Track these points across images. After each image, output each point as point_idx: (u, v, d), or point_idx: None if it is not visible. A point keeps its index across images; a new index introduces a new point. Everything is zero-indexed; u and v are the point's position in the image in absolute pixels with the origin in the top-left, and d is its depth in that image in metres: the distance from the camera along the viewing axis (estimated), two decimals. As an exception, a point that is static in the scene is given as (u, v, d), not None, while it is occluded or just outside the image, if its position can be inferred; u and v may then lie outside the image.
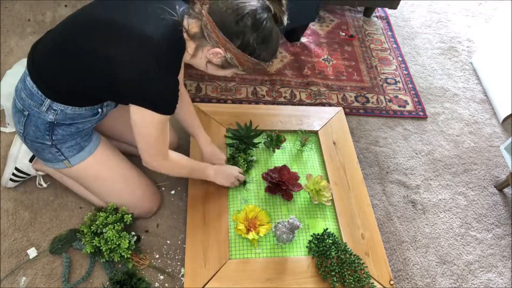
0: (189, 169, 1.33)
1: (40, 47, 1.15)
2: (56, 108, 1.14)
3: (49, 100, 1.12)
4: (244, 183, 1.48)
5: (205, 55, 1.07)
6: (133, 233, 1.34)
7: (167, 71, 1.06)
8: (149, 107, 1.06)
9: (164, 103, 1.08)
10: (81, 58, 1.07)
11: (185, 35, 1.06)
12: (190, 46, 1.08)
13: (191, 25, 1.05)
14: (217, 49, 1.02)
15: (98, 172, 1.29)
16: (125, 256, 1.27)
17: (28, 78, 1.14)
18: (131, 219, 1.31)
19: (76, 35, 1.08)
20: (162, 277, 1.34)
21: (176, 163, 1.27)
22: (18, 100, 1.17)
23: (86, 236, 1.27)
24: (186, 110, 1.40)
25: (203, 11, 1.00)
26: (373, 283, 1.29)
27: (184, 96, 1.36)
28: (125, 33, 1.03)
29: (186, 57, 1.11)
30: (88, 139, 1.26)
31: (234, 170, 1.42)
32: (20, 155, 1.40)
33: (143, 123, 1.10)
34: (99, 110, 1.22)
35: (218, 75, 1.16)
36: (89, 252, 1.26)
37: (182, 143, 1.63)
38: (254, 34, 1.00)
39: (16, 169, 1.40)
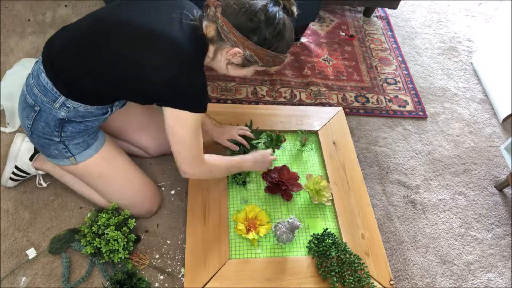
0: (227, 167, 1.34)
1: (58, 44, 1.14)
2: (69, 106, 1.14)
3: (63, 97, 1.13)
4: (244, 183, 1.48)
5: (225, 56, 1.11)
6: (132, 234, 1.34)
7: (197, 71, 1.09)
8: (184, 107, 1.09)
9: (197, 102, 1.11)
10: (108, 61, 1.09)
11: (205, 38, 1.10)
12: (210, 49, 1.12)
13: (208, 28, 1.09)
14: (236, 49, 1.07)
15: (103, 169, 1.29)
16: (123, 257, 1.27)
17: (43, 75, 1.13)
18: (134, 224, 1.32)
19: (103, 37, 1.09)
20: (162, 277, 1.34)
21: (214, 166, 1.28)
22: (29, 95, 1.17)
23: (87, 236, 1.27)
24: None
25: (217, 13, 1.04)
26: (373, 283, 1.29)
27: None
28: (155, 38, 1.05)
29: (207, 60, 1.15)
30: (95, 137, 1.27)
31: (267, 155, 1.44)
32: (20, 153, 1.40)
33: (179, 124, 1.12)
34: (109, 109, 1.23)
35: (240, 75, 1.19)
36: (89, 252, 1.26)
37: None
38: (269, 28, 1.04)
39: (16, 167, 1.40)
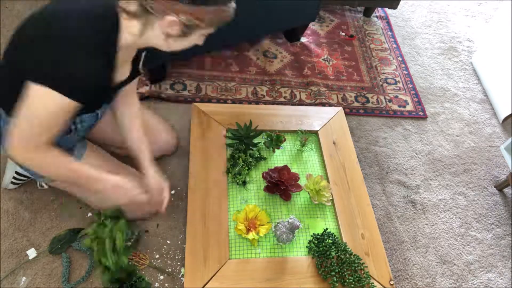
0: (74, 174, 1.12)
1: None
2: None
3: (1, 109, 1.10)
4: (244, 183, 1.48)
5: (159, 30, 0.96)
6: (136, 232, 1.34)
7: (85, 52, 0.95)
8: (57, 88, 0.93)
9: (74, 86, 0.94)
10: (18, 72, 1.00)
11: (123, 15, 0.96)
12: (134, 26, 0.97)
13: (127, 3, 0.94)
14: (169, 17, 0.92)
15: (59, 165, 1.13)
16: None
17: None
18: (136, 236, 1.33)
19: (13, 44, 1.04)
20: (162, 277, 1.34)
21: (50, 157, 1.05)
22: None
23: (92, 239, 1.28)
24: (129, 118, 1.29)
25: None
26: (373, 283, 1.29)
27: (129, 98, 1.27)
28: (50, 23, 0.96)
29: (128, 39, 1.00)
30: (71, 151, 1.22)
31: (136, 196, 1.23)
32: None
33: (39, 103, 0.95)
34: (72, 127, 1.15)
35: (186, 46, 1.04)
36: (89, 246, 1.26)
37: (183, 145, 1.63)
38: None
39: (17, 172, 1.40)
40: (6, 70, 1.06)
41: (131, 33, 0.99)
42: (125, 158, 1.40)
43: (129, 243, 1.32)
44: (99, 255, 1.23)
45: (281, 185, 1.42)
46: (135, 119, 1.31)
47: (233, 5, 0.98)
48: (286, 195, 1.44)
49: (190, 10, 0.91)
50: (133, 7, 0.94)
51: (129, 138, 1.31)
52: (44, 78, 0.93)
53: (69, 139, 1.19)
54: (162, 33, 0.97)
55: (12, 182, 1.41)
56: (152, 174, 1.31)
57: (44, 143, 1.01)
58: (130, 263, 1.30)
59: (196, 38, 1.02)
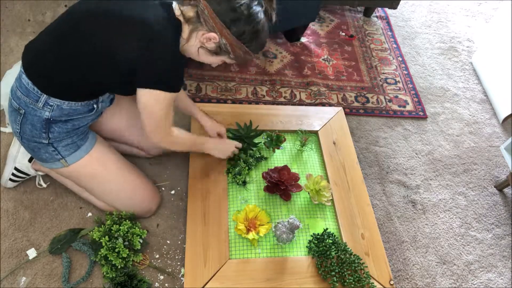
0: (191, 143, 1.38)
1: (36, 45, 1.16)
2: (52, 104, 1.14)
3: (45, 95, 1.13)
4: (244, 183, 1.48)
5: (199, 39, 1.11)
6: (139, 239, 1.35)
7: (170, 48, 1.09)
8: (157, 87, 1.10)
9: (171, 81, 1.12)
10: (82, 53, 1.09)
11: (180, 18, 1.11)
12: (185, 29, 1.11)
13: (186, 9, 1.09)
14: (213, 34, 1.08)
15: (95, 171, 1.29)
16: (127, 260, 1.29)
17: (24, 76, 1.14)
18: (140, 243, 1.33)
19: (74, 30, 1.10)
20: (162, 277, 1.34)
21: (179, 138, 1.31)
22: (14, 100, 1.18)
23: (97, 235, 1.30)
24: (181, 96, 1.46)
25: None
26: (373, 283, 1.29)
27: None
28: (123, 22, 1.06)
29: (182, 43, 1.14)
30: (85, 138, 1.27)
31: (231, 146, 1.47)
32: (19, 155, 1.40)
33: (152, 103, 1.13)
34: (94, 106, 1.23)
35: (208, 62, 1.19)
36: (96, 238, 1.28)
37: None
38: (248, 24, 1.07)
39: (16, 169, 1.40)
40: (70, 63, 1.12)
41: (182, 36, 1.13)
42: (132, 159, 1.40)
43: (139, 247, 1.33)
44: (106, 251, 1.25)
45: (281, 185, 1.42)
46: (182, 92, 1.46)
47: (258, 57, 1.18)
48: (286, 195, 1.45)
49: (231, 39, 1.09)
50: (190, 14, 1.09)
51: (181, 105, 1.50)
52: (151, 84, 1.10)
53: (87, 118, 1.25)
54: (199, 42, 1.12)
55: (11, 180, 1.41)
56: (209, 120, 1.53)
57: (170, 127, 1.25)
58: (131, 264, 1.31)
59: (218, 60, 1.19)
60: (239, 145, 1.50)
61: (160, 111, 1.15)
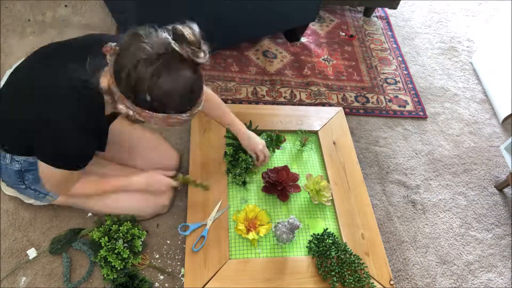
0: (106, 190, 1.28)
1: None
2: (18, 159, 1.18)
3: (8, 154, 1.17)
4: (244, 183, 1.48)
5: (119, 110, 0.95)
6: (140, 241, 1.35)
7: (77, 130, 1.01)
8: (49, 163, 1.05)
9: (71, 162, 1.07)
10: (20, 122, 1.06)
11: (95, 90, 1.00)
12: (107, 100, 0.97)
13: (102, 78, 0.98)
14: (121, 105, 0.93)
15: (85, 190, 1.26)
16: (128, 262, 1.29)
17: None
18: (141, 245, 1.34)
19: (12, 99, 1.09)
20: (162, 277, 1.34)
21: (81, 193, 1.24)
22: None
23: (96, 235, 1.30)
24: (216, 111, 1.40)
25: (111, 62, 0.92)
26: (373, 283, 1.29)
27: (211, 99, 1.35)
28: (39, 95, 1.01)
29: (108, 110, 1.05)
30: None
31: (162, 182, 1.33)
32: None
33: (49, 174, 1.10)
34: None
35: (154, 125, 1.01)
36: (96, 238, 1.29)
37: (183, 145, 1.63)
38: (146, 86, 0.87)
39: None
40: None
41: (108, 105, 1.01)
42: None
43: (140, 249, 1.33)
44: (106, 252, 1.26)
45: (278, 185, 1.42)
46: (218, 109, 1.39)
47: (194, 111, 0.96)
48: (283, 196, 1.44)
49: (136, 109, 0.92)
50: (104, 85, 0.96)
51: (213, 114, 1.42)
52: (48, 160, 1.05)
53: None
54: (121, 113, 0.96)
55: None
56: (247, 138, 1.43)
57: (70, 190, 1.20)
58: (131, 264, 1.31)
59: (156, 123, 0.97)
60: (174, 184, 1.35)
61: (58, 177, 1.11)
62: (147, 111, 0.92)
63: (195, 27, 0.90)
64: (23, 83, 1.07)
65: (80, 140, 1.03)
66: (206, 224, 1.34)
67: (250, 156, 1.49)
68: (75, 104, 0.99)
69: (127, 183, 1.29)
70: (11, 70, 1.66)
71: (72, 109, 0.99)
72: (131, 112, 0.93)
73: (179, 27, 0.88)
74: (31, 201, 1.38)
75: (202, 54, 0.89)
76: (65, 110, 0.99)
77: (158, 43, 0.87)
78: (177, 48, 0.86)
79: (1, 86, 1.17)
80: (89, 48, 1.02)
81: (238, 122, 1.42)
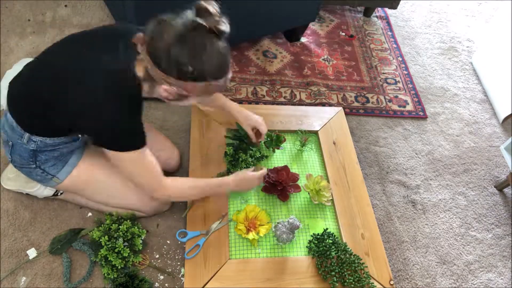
0: (203, 189, 1.31)
1: (19, 85, 1.18)
2: (35, 140, 1.18)
3: (27, 133, 1.17)
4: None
5: (159, 93, 1.06)
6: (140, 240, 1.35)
7: (124, 110, 1.06)
8: (115, 148, 1.09)
9: (127, 142, 1.10)
10: (54, 103, 1.09)
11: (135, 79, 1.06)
12: (145, 86, 1.06)
13: (137, 68, 1.03)
14: (164, 86, 1.02)
15: (90, 177, 1.30)
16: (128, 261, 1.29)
17: (8, 114, 1.20)
18: (141, 243, 1.34)
19: (44, 80, 1.11)
20: (162, 277, 1.34)
21: (181, 189, 1.26)
22: (3, 132, 1.23)
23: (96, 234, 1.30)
24: (216, 102, 1.46)
25: (143, 52, 0.99)
26: (373, 283, 1.29)
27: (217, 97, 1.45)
28: (80, 81, 1.05)
29: (145, 94, 1.10)
30: (71, 153, 1.27)
31: (254, 180, 1.35)
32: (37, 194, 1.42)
33: (117, 162, 1.13)
34: (79, 135, 1.24)
35: (184, 105, 1.12)
36: (96, 237, 1.29)
37: (183, 145, 1.63)
38: (187, 59, 0.95)
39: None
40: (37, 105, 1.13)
41: (145, 90, 1.09)
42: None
43: (140, 248, 1.34)
44: (106, 252, 1.26)
45: (278, 185, 1.42)
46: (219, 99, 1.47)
47: (228, 76, 1.06)
48: (283, 196, 1.44)
49: (180, 84, 1.00)
50: (141, 73, 1.02)
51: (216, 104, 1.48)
52: (106, 144, 1.09)
53: (73, 145, 1.25)
54: (161, 95, 1.07)
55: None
56: (243, 111, 1.48)
57: (162, 180, 1.20)
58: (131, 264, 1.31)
59: (192, 101, 1.10)
60: (264, 171, 1.38)
61: (133, 171, 1.15)
62: (190, 82, 0.99)
63: (213, 1, 0.99)
64: (62, 66, 1.09)
65: (131, 117, 1.09)
66: (205, 234, 1.33)
67: (246, 135, 1.50)
68: (118, 91, 1.05)
69: (219, 182, 1.32)
70: (11, 70, 1.67)
71: (117, 95, 1.05)
72: (175, 89, 1.00)
73: (202, 2, 0.97)
74: (35, 188, 1.38)
75: (224, 24, 0.98)
76: (111, 95, 1.04)
77: (185, 22, 0.96)
78: (203, 22, 0.95)
79: (29, 67, 1.18)
80: (117, 37, 1.09)
81: (230, 101, 1.48)
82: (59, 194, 1.42)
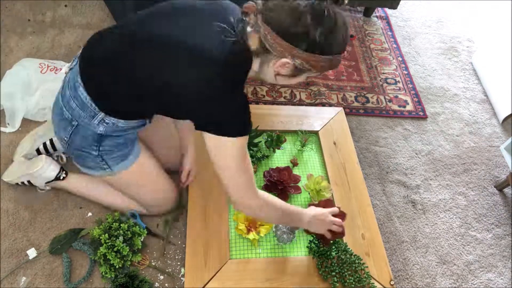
0: (282, 212, 1.17)
1: (94, 58, 1.09)
2: (108, 121, 1.10)
3: (103, 113, 1.08)
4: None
5: (273, 68, 0.97)
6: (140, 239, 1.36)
7: (235, 90, 0.98)
8: (222, 132, 0.98)
9: (235, 125, 0.99)
10: (143, 79, 1.02)
11: (248, 53, 0.98)
12: (255, 63, 0.99)
13: (251, 40, 0.96)
14: (284, 60, 0.93)
15: (136, 179, 1.29)
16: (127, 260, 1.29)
17: (81, 89, 1.08)
18: (141, 243, 1.34)
19: (136, 54, 1.02)
20: (162, 277, 1.34)
21: (267, 203, 1.12)
22: (66, 109, 1.12)
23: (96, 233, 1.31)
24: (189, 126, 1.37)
25: (258, 21, 0.91)
26: (373, 283, 1.29)
27: None
28: (191, 55, 0.96)
29: (251, 74, 1.03)
30: (132, 148, 1.23)
31: (329, 222, 1.27)
32: (38, 181, 1.39)
33: (218, 150, 1.01)
34: (148, 120, 1.21)
35: (290, 84, 1.07)
36: (96, 235, 1.29)
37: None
38: (318, 29, 0.89)
39: (45, 144, 1.46)
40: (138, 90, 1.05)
41: (252, 69, 1.01)
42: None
43: (140, 247, 1.34)
44: (106, 250, 1.26)
45: (279, 185, 1.42)
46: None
47: (346, 49, 1.00)
48: (283, 196, 1.44)
49: (306, 56, 0.92)
50: (255, 45, 0.95)
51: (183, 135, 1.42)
52: (210, 128, 0.98)
53: (137, 130, 1.22)
54: (274, 71, 0.98)
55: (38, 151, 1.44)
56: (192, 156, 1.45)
57: (254, 186, 1.08)
58: (130, 264, 1.31)
59: (301, 79, 1.03)
60: (336, 211, 1.30)
61: (232, 162, 1.02)
62: (316, 55, 0.92)
63: None
64: (172, 40, 0.98)
65: (242, 98, 1.00)
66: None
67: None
68: (236, 74, 0.98)
69: (300, 212, 1.23)
70: (11, 70, 1.67)
71: (231, 68, 0.97)
72: (298, 61, 0.92)
73: None
74: (39, 167, 1.34)
75: None
76: (229, 81, 0.97)
77: None
78: None
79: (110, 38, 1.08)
80: (222, 9, 1.02)
81: (192, 143, 1.43)
82: (61, 177, 1.38)
